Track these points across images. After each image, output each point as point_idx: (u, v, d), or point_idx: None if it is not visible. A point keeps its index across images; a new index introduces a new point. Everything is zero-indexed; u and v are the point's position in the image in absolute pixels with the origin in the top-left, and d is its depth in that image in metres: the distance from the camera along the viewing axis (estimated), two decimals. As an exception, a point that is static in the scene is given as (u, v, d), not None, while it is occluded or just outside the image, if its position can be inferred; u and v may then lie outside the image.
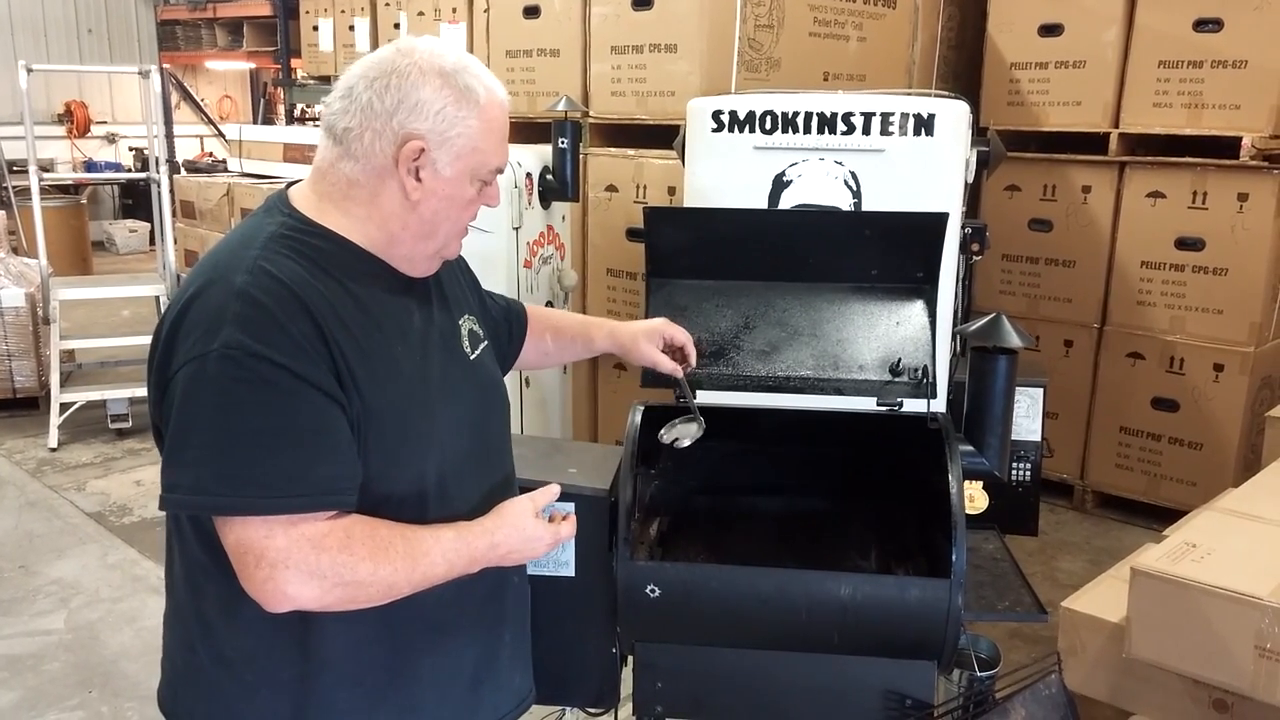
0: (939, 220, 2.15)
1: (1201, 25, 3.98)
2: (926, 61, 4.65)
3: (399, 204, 1.35)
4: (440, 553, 1.34)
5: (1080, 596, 2.68)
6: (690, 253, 2.31)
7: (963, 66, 4.84)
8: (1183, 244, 4.15)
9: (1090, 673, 2.54)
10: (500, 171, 1.44)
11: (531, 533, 1.45)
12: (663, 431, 1.95)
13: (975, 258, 3.06)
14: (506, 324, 1.80)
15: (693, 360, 1.94)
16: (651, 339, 1.90)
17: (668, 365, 1.91)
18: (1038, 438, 2.80)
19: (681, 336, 1.93)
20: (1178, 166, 4.11)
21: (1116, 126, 4.23)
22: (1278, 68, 3.84)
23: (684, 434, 1.95)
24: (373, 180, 1.34)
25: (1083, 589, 2.74)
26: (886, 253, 2.23)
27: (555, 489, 1.53)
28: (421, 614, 1.39)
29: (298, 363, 1.23)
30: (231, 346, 1.21)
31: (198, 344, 1.23)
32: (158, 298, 5.65)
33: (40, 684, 3.18)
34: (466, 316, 1.58)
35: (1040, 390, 2.79)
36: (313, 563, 1.22)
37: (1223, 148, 4.00)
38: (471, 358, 1.55)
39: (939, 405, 2.17)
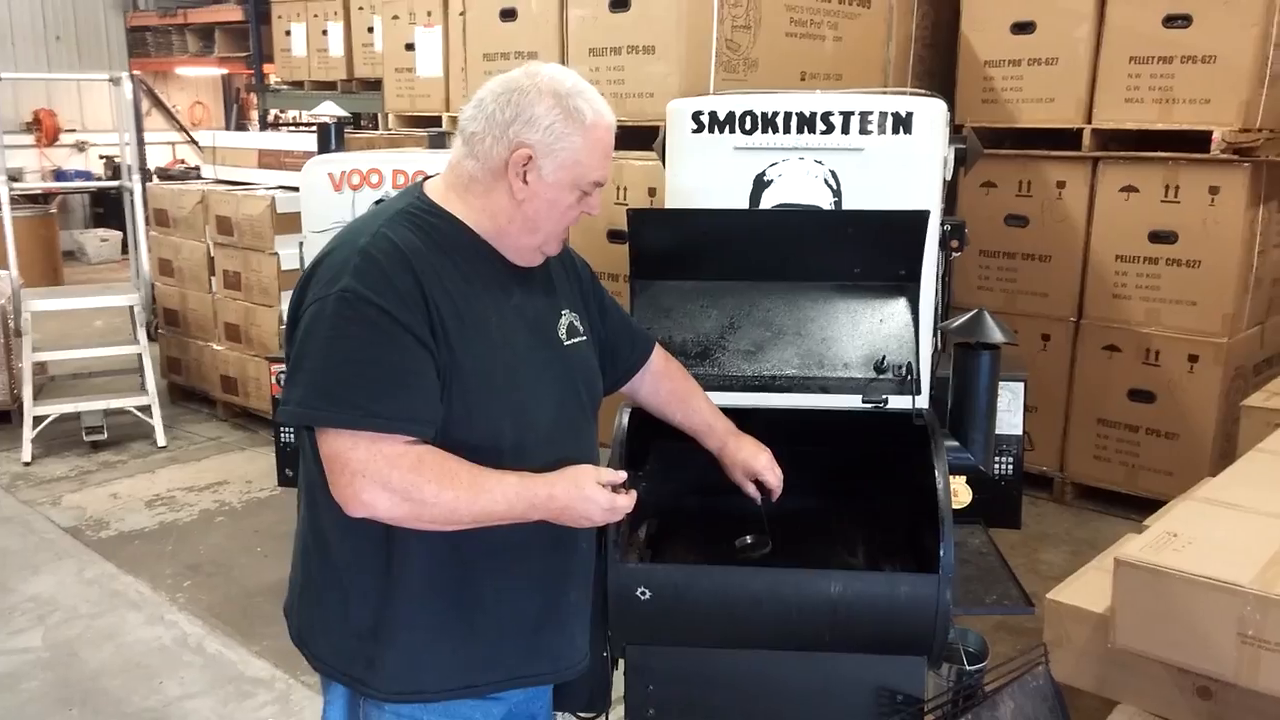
0: (921, 218, 2.17)
1: (1171, 21, 4.03)
2: (901, 60, 4.68)
3: (508, 201, 1.58)
4: (501, 491, 1.51)
5: (1064, 588, 2.70)
6: (674, 254, 2.32)
7: (937, 65, 4.88)
8: (1156, 237, 4.19)
9: (1076, 663, 2.55)
10: (600, 185, 1.65)
11: (589, 492, 1.58)
12: (737, 541, 2.11)
13: (955, 254, 3.08)
14: (615, 345, 1.94)
15: (773, 492, 2.06)
16: (747, 471, 2.05)
17: (751, 492, 2.07)
18: (1019, 431, 2.82)
19: (767, 474, 2.05)
20: (1150, 161, 4.16)
21: (1089, 122, 4.27)
22: (1246, 62, 3.89)
23: (754, 547, 2.10)
24: (488, 178, 1.58)
25: (1066, 580, 2.76)
26: (869, 251, 2.25)
27: (623, 474, 1.67)
28: (489, 549, 1.57)
29: (399, 310, 1.46)
30: (347, 290, 1.46)
31: (322, 288, 1.49)
32: (132, 307, 5.59)
33: (19, 704, 3.14)
34: (569, 310, 1.76)
35: (1021, 385, 2.81)
36: (386, 476, 1.44)
37: (1193, 142, 4.04)
38: (565, 344, 1.72)
39: (922, 402, 2.19)
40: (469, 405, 1.53)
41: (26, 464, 5.20)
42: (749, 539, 2.11)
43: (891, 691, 2.06)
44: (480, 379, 1.54)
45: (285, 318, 1.61)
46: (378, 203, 3.54)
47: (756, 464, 2.03)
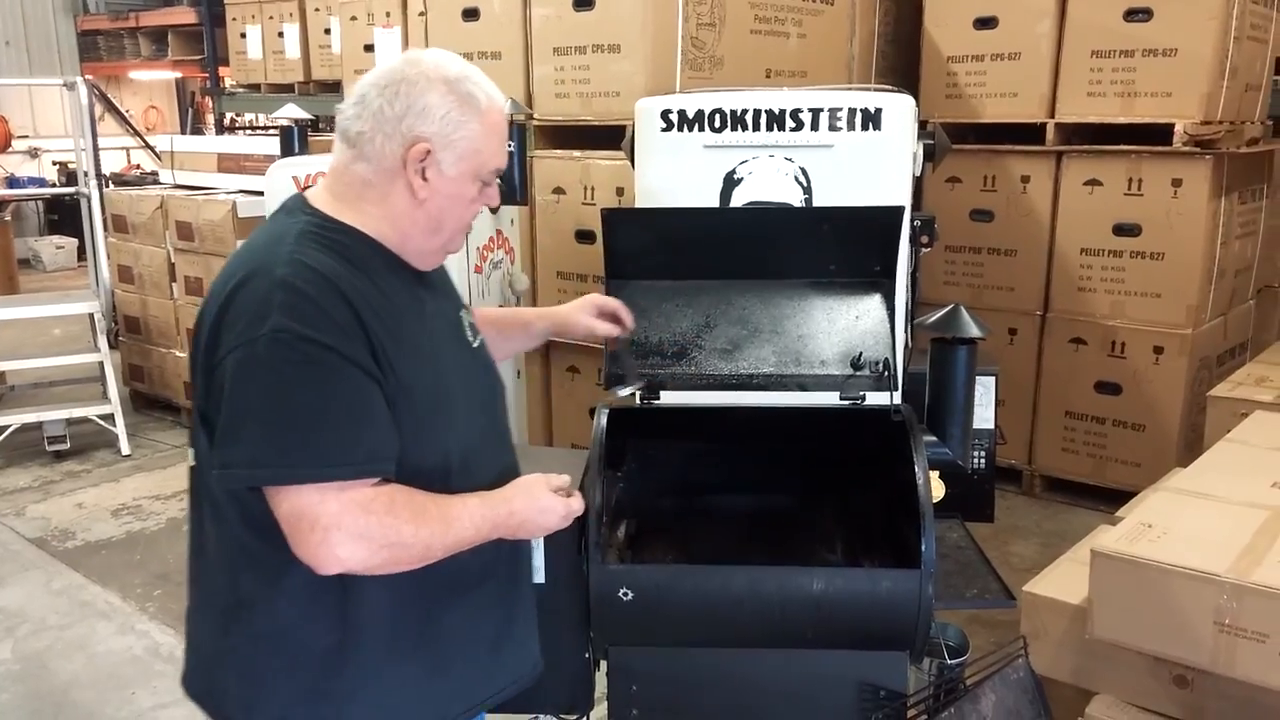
0: (895, 214, 2.17)
1: (1132, 15, 4.08)
2: (865, 57, 4.70)
3: (408, 202, 1.47)
4: (468, 517, 1.45)
5: (1040, 580, 2.72)
6: (649, 253, 2.30)
7: (900, 61, 4.90)
8: (1120, 230, 4.24)
9: (1053, 655, 2.58)
10: (499, 173, 1.55)
11: (545, 503, 1.56)
12: (616, 389, 2.07)
13: (925, 250, 3.09)
14: None
15: (629, 323, 2.10)
16: (587, 310, 2.08)
17: (604, 329, 2.08)
18: (991, 425, 2.83)
19: (613, 303, 2.09)
20: (1113, 154, 4.21)
21: (1053, 116, 4.31)
22: (1207, 55, 3.95)
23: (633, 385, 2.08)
24: (384, 180, 1.46)
25: (1042, 573, 2.78)
26: (844, 247, 2.25)
27: (567, 477, 1.63)
28: (450, 578, 1.49)
29: (341, 343, 1.35)
30: (280, 330, 1.32)
31: (246, 330, 1.34)
32: (92, 315, 5.50)
33: (-12, 718, 3.08)
34: (463, 309, 1.69)
35: (992, 379, 2.82)
36: (362, 525, 1.34)
37: (1156, 135, 4.09)
38: (474, 346, 1.66)
39: (898, 397, 2.19)
40: (418, 429, 1.44)
41: (-13, 475, 5.11)
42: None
43: (874, 687, 2.06)
44: (424, 400, 1.46)
45: (191, 368, 1.45)
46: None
47: (588, 300, 2.08)
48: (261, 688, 1.47)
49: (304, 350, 1.32)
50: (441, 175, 1.46)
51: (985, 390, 2.85)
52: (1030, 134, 4.37)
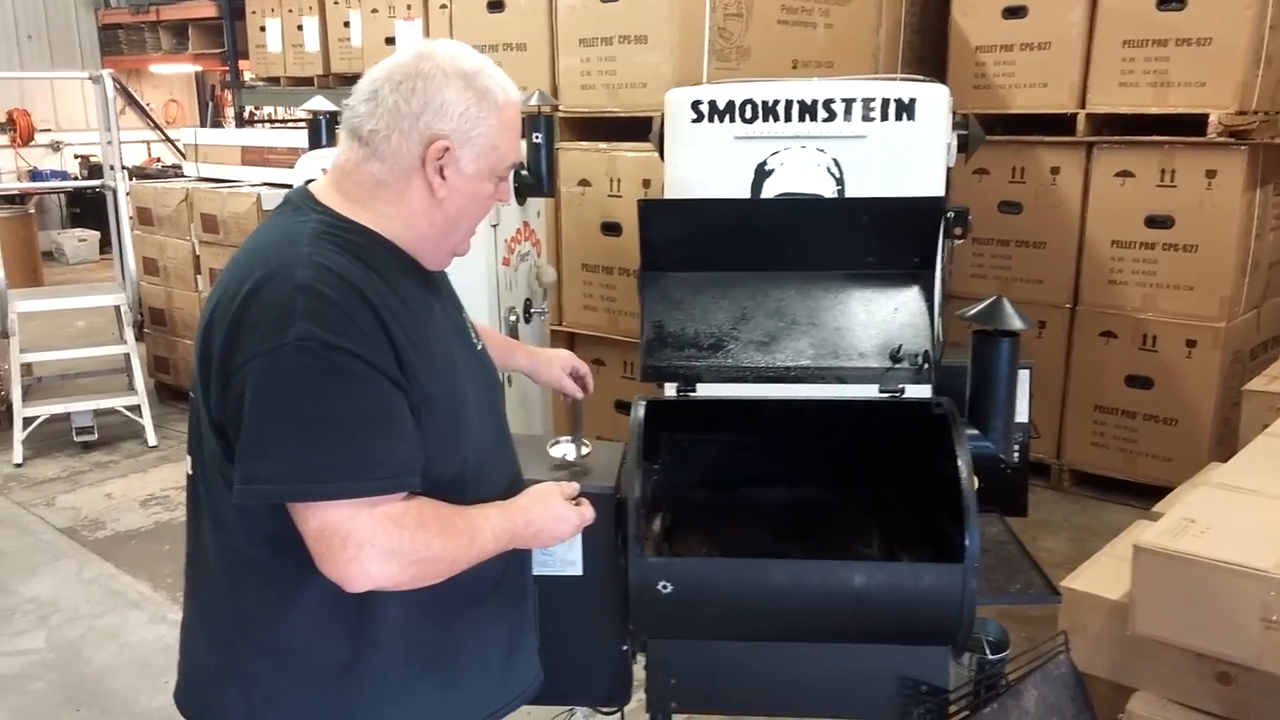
0: (935, 204, 2.15)
1: (1165, 3, 4.02)
2: (891, 47, 4.66)
3: (425, 202, 1.41)
4: (489, 529, 1.42)
5: (1079, 575, 2.69)
6: (684, 245, 2.28)
7: (927, 51, 4.86)
8: (1152, 222, 4.19)
9: (1092, 651, 2.55)
10: (514, 167, 1.51)
11: (560, 512, 1.54)
12: (550, 445, 2.05)
13: (958, 241, 3.07)
14: None
15: (590, 388, 2.12)
16: (564, 366, 2.08)
17: (570, 388, 2.08)
18: (1025, 419, 2.81)
19: (584, 368, 2.11)
20: (1145, 145, 4.16)
21: (1083, 107, 4.26)
22: (1242, 44, 3.89)
23: (568, 452, 2.04)
24: (399, 180, 1.40)
25: (1080, 568, 2.75)
26: (882, 239, 2.22)
27: (577, 485, 1.62)
28: (464, 588, 1.44)
29: (368, 351, 1.29)
30: (306, 338, 1.25)
31: (268, 338, 1.26)
32: (118, 307, 5.52)
33: (25, 705, 3.10)
34: (464, 312, 1.64)
35: (1026, 372, 2.79)
36: (394, 541, 1.28)
37: (1189, 125, 4.04)
38: (478, 348, 1.61)
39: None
40: (440, 438, 1.39)
41: (18, 465, 5.13)
42: (560, 440, 2.05)
43: (915, 682, 2.05)
44: (444, 408, 1.41)
45: (200, 372, 1.36)
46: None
47: (566, 359, 2.08)
48: (268, 706, 1.41)
49: (331, 359, 1.26)
50: (460, 173, 1.40)
51: (1019, 384, 2.83)
52: (1060, 125, 4.33)
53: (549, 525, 1.52)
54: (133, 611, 3.63)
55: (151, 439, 5.39)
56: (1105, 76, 4.19)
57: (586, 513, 1.59)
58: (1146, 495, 4.44)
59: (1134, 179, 4.20)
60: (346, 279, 1.31)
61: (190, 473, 1.46)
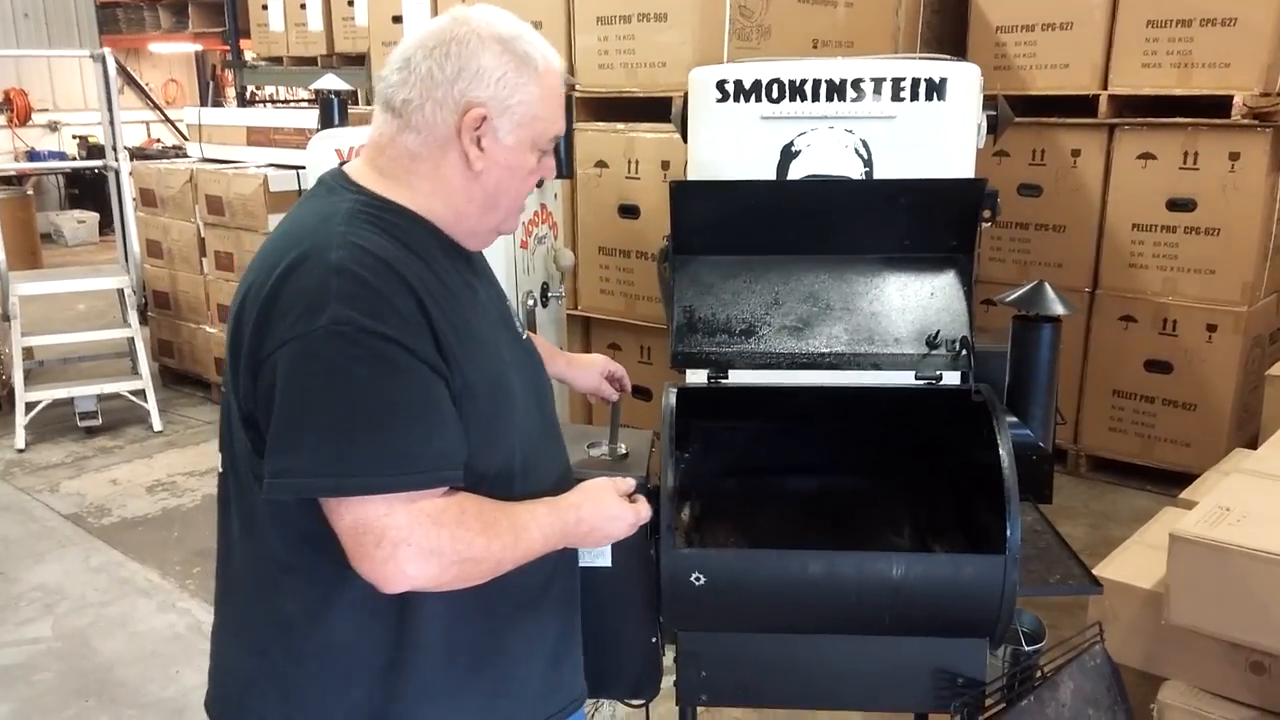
0: (975, 187, 2.09)
1: (1190, -17, 3.96)
2: (911, 27, 4.59)
3: (462, 175, 1.33)
4: (537, 527, 1.34)
5: (1109, 564, 2.65)
6: (716, 227, 2.23)
7: (946, 31, 4.79)
8: (1174, 205, 4.14)
9: (1123, 640, 2.51)
10: (558, 140, 1.41)
11: (615, 510, 1.46)
12: (588, 447, 2.01)
13: (986, 224, 3.01)
14: None
15: (628, 388, 2.09)
16: (600, 370, 2.06)
17: (609, 391, 2.06)
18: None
19: (620, 370, 2.08)
20: (1168, 127, 4.10)
21: (1105, 88, 4.20)
22: (1267, 25, 3.83)
23: (605, 454, 2.00)
24: (435, 152, 1.32)
25: (1110, 556, 2.71)
26: (919, 222, 2.17)
27: (633, 480, 1.53)
28: (510, 591, 1.37)
29: (406, 336, 1.21)
30: (341, 322, 1.17)
31: (300, 322, 1.19)
32: (122, 290, 5.46)
33: (34, 695, 3.06)
34: (506, 299, 1.55)
35: (1051, 357, 2.75)
36: (433, 540, 1.21)
37: (1213, 107, 3.98)
38: (523, 338, 1.54)
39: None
40: (483, 431, 1.31)
41: (20, 450, 5.08)
42: (602, 442, 2.01)
43: (951, 674, 2.01)
44: (489, 398, 1.33)
45: (230, 363, 1.30)
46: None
47: (601, 363, 2.05)
48: (306, 713, 1.35)
49: (367, 344, 1.18)
50: (498, 144, 1.32)
51: (1043, 369, 2.78)
52: (1081, 106, 4.27)
53: (602, 524, 1.44)
54: (141, 599, 3.59)
55: (157, 424, 5.34)
56: (1128, 57, 4.13)
57: (643, 510, 1.51)
58: (1164, 481, 4.42)
59: (1156, 161, 4.15)
60: (383, 260, 1.23)
61: (221, 470, 1.40)
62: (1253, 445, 3.88)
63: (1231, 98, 3.91)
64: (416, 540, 1.19)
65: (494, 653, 1.40)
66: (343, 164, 1.42)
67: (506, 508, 1.32)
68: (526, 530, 1.33)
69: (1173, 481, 4.33)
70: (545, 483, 1.44)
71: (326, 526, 1.22)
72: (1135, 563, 2.65)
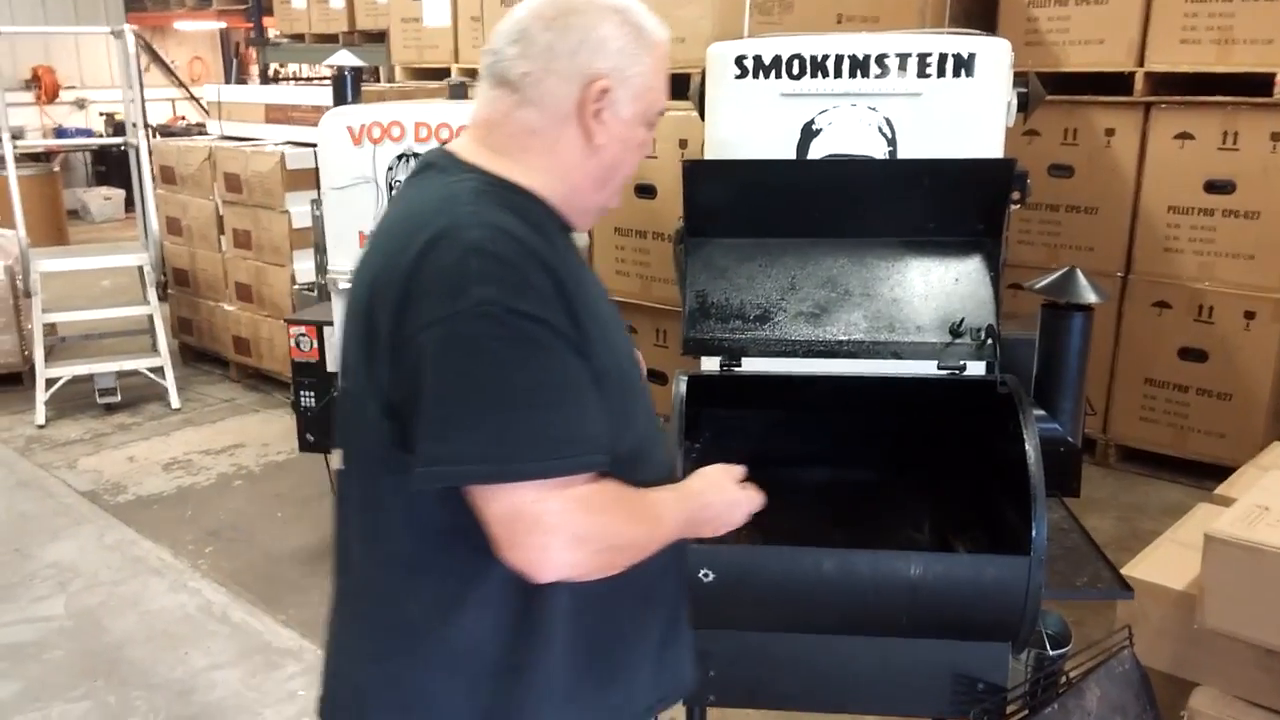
0: (1005, 167, 2.00)
1: (1232, -44, 3.80)
2: (938, 1, 4.45)
3: (579, 150, 1.29)
4: (670, 514, 1.32)
5: (1139, 563, 2.55)
6: (731, 209, 2.15)
7: (976, 6, 4.63)
8: (1212, 187, 3.99)
9: (1152, 644, 2.41)
10: (662, 115, 1.38)
11: (734, 496, 1.41)
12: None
13: (1015, 206, 2.90)
14: None
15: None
16: None
17: None
18: (1081, 395, 2.66)
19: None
20: (1207, 106, 3.95)
21: (1142, 65, 4.05)
22: (1314, -1, 3.67)
23: None
24: (553, 127, 1.28)
25: (1141, 554, 2.61)
26: (944, 204, 2.08)
27: (743, 467, 1.46)
28: (632, 579, 1.30)
29: (550, 315, 1.17)
30: (486, 303, 1.13)
31: (442, 304, 1.14)
32: (141, 267, 5.44)
33: (43, 673, 3.04)
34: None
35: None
36: (585, 526, 1.17)
37: (1254, 85, 3.83)
38: (624, 323, 1.49)
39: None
40: (616, 414, 1.27)
41: (40, 426, 5.09)
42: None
43: (971, 679, 1.93)
44: (618, 381, 1.30)
45: (362, 352, 1.25)
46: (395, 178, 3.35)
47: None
48: (432, 717, 1.30)
49: (514, 325, 1.14)
50: (616, 117, 1.28)
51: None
52: (1116, 84, 4.12)
53: (725, 511, 1.40)
54: (153, 579, 3.57)
55: (174, 401, 5.33)
56: (1165, 33, 3.98)
57: (757, 497, 1.45)
58: (1196, 473, 4.30)
59: (1193, 141, 4.00)
60: (518, 238, 1.19)
61: (341, 469, 1.33)
62: (1292, 436, 3.76)
63: (1274, 75, 3.76)
64: (569, 527, 1.16)
65: (611, 642, 1.36)
66: (442, 144, 1.37)
67: (643, 494, 1.29)
68: (661, 518, 1.30)
69: (1206, 474, 4.21)
70: (658, 472, 1.39)
71: (463, 519, 1.18)
72: (1167, 561, 2.55)
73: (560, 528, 1.15)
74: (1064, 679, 2.04)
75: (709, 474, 1.42)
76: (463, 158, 1.31)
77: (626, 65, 1.27)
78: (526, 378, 1.14)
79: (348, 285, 3.29)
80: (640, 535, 1.26)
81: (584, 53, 1.25)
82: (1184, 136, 4.03)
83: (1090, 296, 1.91)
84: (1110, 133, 4.20)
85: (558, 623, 1.28)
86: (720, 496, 1.39)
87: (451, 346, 1.14)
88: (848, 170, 2.23)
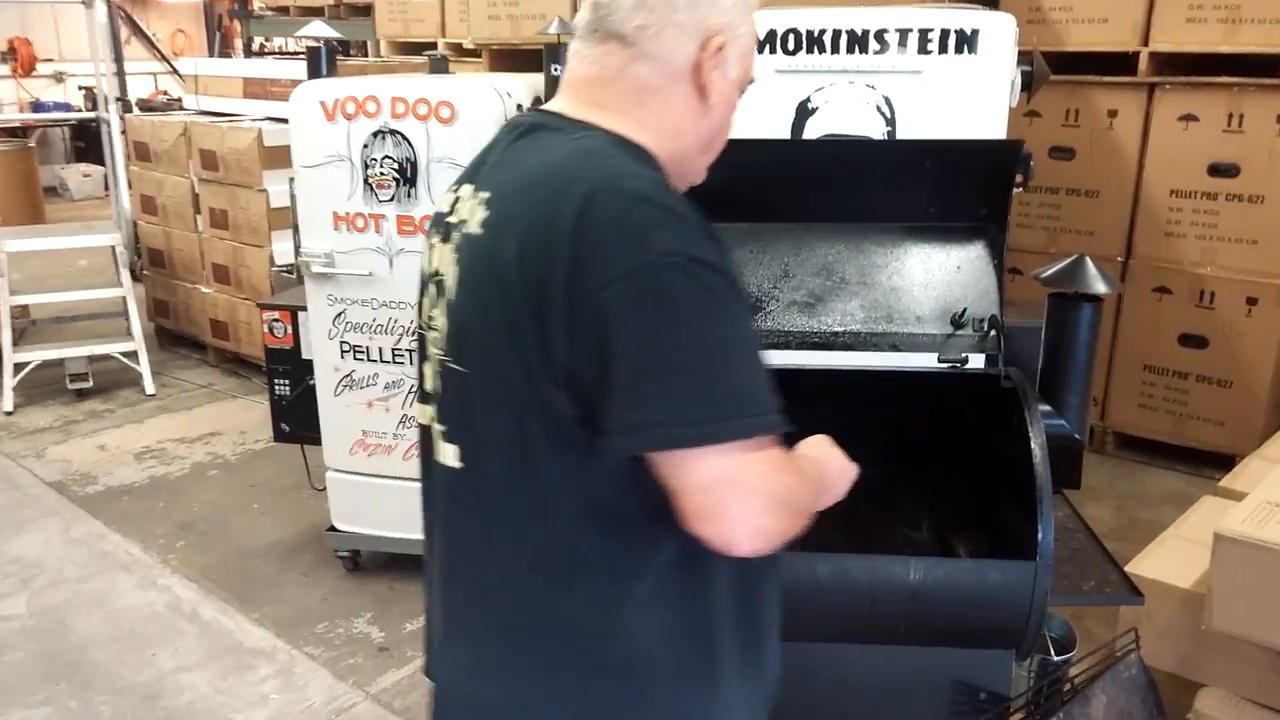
0: (1011, 149, 1.89)
1: (1241, -69, 3.68)
2: (937, -23, 4.33)
3: (693, 110, 1.20)
4: (819, 474, 1.25)
5: (1144, 560, 2.46)
6: (721, 192, 2.01)
7: (975, -18, 4.52)
8: (1216, 170, 3.89)
9: (1157, 644, 2.32)
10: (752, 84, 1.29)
11: (844, 464, 1.32)
12: None
13: (1017, 189, 2.79)
14: None
15: None
16: None
17: None
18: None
19: None
20: (1212, 87, 3.84)
21: (1146, 45, 3.93)
22: (1324, -23, 3.56)
23: None
24: (668, 84, 1.18)
25: (1145, 551, 2.52)
26: (946, 187, 1.97)
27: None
28: (771, 560, 1.20)
29: (727, 267, 1.07)
30: (674, 254, 1.02)
31: (624, 258, 1.03)
32: (113, 248, 5.28)
33: (2, 676, 2.92)
34: None
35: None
36: (783, 489, 1.08)
37: (1261, 66, 3.72)
38: None
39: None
40: None
41: (8, 413, 4.94)
42: None
43: (973, 687, 1.84)
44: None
45: (525, 322, 1.08)
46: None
47: None
48: None
49: (701, 275, 1.04)
50: (725, 77, 1.20)
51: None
52: (1120, 64, 4.00)
53: (838, 480, 1.30)
54: (121, 575, 3.45)
55: (149, 387, 5.18)
56: (1171, 12, 3.86)
57: (855, 467, 1.36)
58: (1195, 460, 4.21)
59: (1198, 123, 3.89)
60: (671, 189, 1.10)
61: (457, 466, 1.19)
62: (1291, 426, 3.68)
63: (1281, 55, 3.65)
64: (772, 490, 1.06)
65: (761, 615, 1.27)
66: (534, 106, 1.25)
67: (800, 456, 1.21)
68: (819, 476, 1.24)
69: (1205, 462, 4.13)
70: None
71: (624, 501, 1.10)
72: (1172, 558, 2.45)
73: (765, 491, 1.05)
74: (1069, 686, 1.95)
75: (815, 441, 1.32)
76: (574, 117, 1.19)
77: (738, 23, 1.19)
78: (721, 332, 1.05)
79: (321, 269, 3.09)
80: (813, 499, 1.18)
81: (703, 6, 1.16)
82: (1188, 118, 3.92)
83: (1100, 286, 1.81)
84: (1113, 114, 4.09)
85: (721, 614, 1.19)
86: (835, 464, 1.31)
87: (642, 302, 1.03)
88: (845, 151, 2.11)
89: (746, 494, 1.04)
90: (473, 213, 1.16)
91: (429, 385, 1.24)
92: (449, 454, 1.19)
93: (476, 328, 1.14)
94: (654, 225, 1.04)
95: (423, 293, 1.24)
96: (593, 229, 1.04)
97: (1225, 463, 4.05)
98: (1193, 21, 3.82)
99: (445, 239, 1.20)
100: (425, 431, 1.25)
